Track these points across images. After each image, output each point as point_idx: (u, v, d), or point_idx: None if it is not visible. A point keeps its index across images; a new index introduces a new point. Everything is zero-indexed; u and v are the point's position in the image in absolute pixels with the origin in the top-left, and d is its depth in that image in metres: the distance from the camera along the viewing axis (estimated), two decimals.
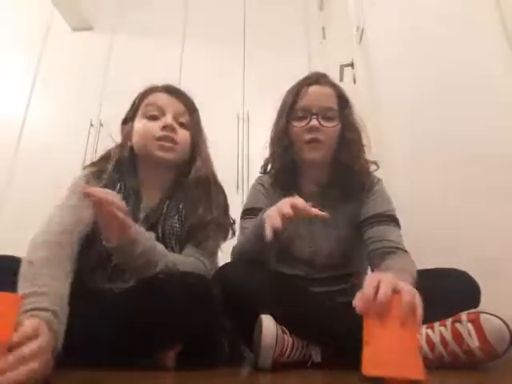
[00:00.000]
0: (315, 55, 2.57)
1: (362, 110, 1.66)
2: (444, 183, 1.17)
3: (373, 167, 0.99)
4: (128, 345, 0.67)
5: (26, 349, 0.47)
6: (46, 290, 0.59)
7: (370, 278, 0.58)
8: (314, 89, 0.95)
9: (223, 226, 0.91)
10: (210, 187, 0.91)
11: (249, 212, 0.97)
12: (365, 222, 0.91)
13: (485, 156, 0.99)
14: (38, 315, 0.54)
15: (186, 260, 0.81)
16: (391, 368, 0.47)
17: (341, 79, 1.86)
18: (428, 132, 1.27)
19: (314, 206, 0.72)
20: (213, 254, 0.87)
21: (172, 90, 0.95)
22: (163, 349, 0.71)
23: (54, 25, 2.80)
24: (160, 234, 0.85)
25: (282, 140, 0.97)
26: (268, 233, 0.68)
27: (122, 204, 0.66)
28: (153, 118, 0.91)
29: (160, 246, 0.77)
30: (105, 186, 0.84)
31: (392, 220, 0.89)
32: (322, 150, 0.94)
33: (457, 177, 1.10)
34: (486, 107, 0.99)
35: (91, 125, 2.44)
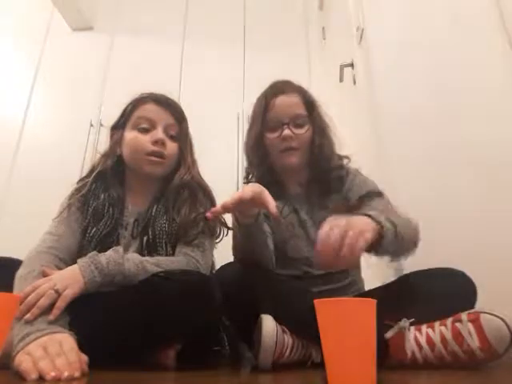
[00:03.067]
0: (315, 55, 2.57)
1: (361, 110, 1.66)
2: (444, 184, 1.17)
3: (346, 161, 1.04)
4: (127, 344, 0.67)
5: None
6: None
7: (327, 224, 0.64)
8: (281, 99, 0.99)
9: (211, 222, 0.92)
10: (195, 190, 0.94)
11: None
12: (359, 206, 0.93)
13: (485, 154, 0.99)
14: None
15: (174, 260, 0.83)
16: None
17: (341, 79, 1.85)
18: (428, 132, 1.27)
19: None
20: (205, 250, 0.88)
21: (162, 102, 0.98)
22: (163, 348, 0.71)
23: (54, 25, 2.80)
24: (151, 236, 0.87)
25: (257, 151, 1.02)
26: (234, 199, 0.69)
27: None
28: (143, 130, 0.94)
29: (134, 261, 0.76)
30: (86, 200, 0.90)
31: (376, 195, 0.93)
32: (298, 155, 0.99)
33: (456, 177, 1.10)
34: (486, 106, 0.99)
35: (91, 125, 2.44)
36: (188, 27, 2.75)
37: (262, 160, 1.02)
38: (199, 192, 0.94)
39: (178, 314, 0.67)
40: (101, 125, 2.40)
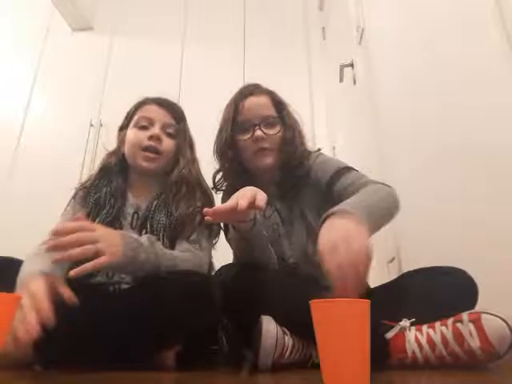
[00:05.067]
0: (315, 55, 2.57)
1: (361, 110, 1.66)
2: (444, 183, 1.17)
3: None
4: (128, 345, 0.67)
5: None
6: None
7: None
8: (250, 101, 1.00)
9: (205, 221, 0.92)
10: (194, 185, 0.96)
11: None
12: (329, 189, 0.92)
13: (486, 154, 0.99)
14: None
15: (185, 254, 0.83)
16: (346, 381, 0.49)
17: (341, 79, 1.86)
18: (428, 131, 1.27)
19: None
20: (203, 250, 0.89)
21: (162, 103, 1.02)
22: (163, 349, 0.71)
23: (54, 25, 2.80)
24: (149, 230, 0.88)
25: (227, 153, 1.01)
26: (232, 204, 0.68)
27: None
28: (142, 128, 0.98)
29: (158, 247, 0.78)
30: (88, 194, 0.93)
31: (343, 171, 0.92)
32: (272, 155, 0.98)
33: (457, 176, 1.10)
34: (486, 106, 0.99)
35: (91, 125, 2.44)
36: (188, 28, 2.76)
37: (233, 164, 1.01)
38: (197, 189, 0.96)
39: (178, 314, 0.67)
40: (101, 125, 2.40)
